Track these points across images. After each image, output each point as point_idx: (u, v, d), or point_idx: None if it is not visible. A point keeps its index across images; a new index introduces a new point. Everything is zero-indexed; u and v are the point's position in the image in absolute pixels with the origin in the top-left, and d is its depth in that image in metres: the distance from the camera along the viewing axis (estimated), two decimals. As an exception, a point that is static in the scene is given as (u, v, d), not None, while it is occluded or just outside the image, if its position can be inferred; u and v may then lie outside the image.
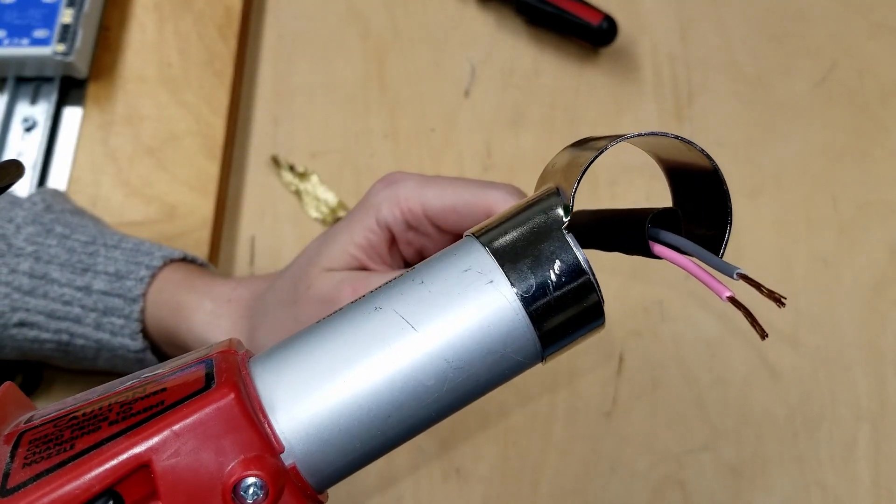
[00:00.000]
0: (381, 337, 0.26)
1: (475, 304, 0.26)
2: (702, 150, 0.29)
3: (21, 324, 0.44)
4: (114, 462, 0.23)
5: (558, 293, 0.26)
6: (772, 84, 0.63)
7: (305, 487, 0.26)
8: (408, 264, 0.39)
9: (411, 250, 0.39)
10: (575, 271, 0.26)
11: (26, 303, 0.44)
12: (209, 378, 0.25)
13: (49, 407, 0.28)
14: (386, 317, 0.26)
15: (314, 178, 0.59)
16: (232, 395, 0.24)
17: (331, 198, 0.59)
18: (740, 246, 0.58)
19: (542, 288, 0.26)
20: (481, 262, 0.26)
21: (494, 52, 0.64)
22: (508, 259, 0.26)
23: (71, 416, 0.25)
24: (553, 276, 0.26)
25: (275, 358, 0.26)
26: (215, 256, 0.57)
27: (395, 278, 0.28)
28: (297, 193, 0.59)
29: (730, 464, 0.52)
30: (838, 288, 0.56)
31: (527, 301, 0.26)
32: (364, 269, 0.37)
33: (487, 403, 0.54)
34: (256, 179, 0.60)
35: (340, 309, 0.28)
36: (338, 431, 0.25)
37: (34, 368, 0.52)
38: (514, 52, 0.64)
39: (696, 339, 0.55)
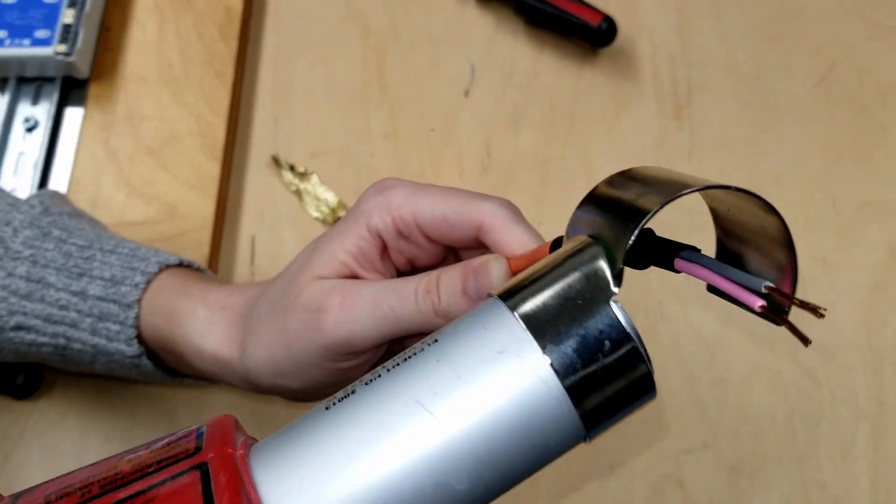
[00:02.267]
0: (404, 434, 0.22)
1: (515, 396, 0.23)
2: (775, 210, 0.27)
3: (18, 327, 0.44)
4: None
5: (607, 375, 0.23)
6: (771, 84, 0.63)
7: None
8: (399, 273, 0.38)
9: (402, 259, 0.38)
10: (625, 347, 0.24)
11: (23, 306, 0.44)
12: (208, 498, 0.22)
13: None
14: (407, 408, 0.22)
15: (314, 178, 0.60)
16: None
17: (331, 197, 0.59)
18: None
19: (591, 375, 0.23)
20: (518, 340, 0.23)
21: (494, 52, 0.64)
22: (550, 338, 0.23)
23: None
24: (602, 358, 0.23)
25: (279, 458, 0.23)
26: (216, 256, 0.57)
27: (413, 352, 0.24)
28: (298, 193, 0.59)
29: (729, 463, 0.52)
30: (837, 288, 0.57)
31: (573, 390, 0.23)
32: (355, 276, 0.37)
33: (487, 403, 0.54)
34: (257, 179, 0.60)
35: (353, 392, 0.24)
36: None
37: (35, 369, 0.53)
38: (514, 52, 0.64)
39: (696, 339, 0.55)
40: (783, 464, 0.52)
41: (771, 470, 0.52)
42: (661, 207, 0.24)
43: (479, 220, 0.35)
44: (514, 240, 0.35)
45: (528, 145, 0.61)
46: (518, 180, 0.60)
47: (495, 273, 0.34)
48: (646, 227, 0.25)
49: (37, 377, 0.53)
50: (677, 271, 0.27)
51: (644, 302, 0.56)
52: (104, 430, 0.53)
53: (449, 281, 0.35)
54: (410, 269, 0.39)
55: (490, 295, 0.26)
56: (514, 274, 0.34)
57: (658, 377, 0.55)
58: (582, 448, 0.52)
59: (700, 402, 0.54)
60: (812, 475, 0.52)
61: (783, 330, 0.59)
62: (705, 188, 0.25)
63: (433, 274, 0.35)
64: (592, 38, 0.62)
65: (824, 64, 0.64)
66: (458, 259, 0.38)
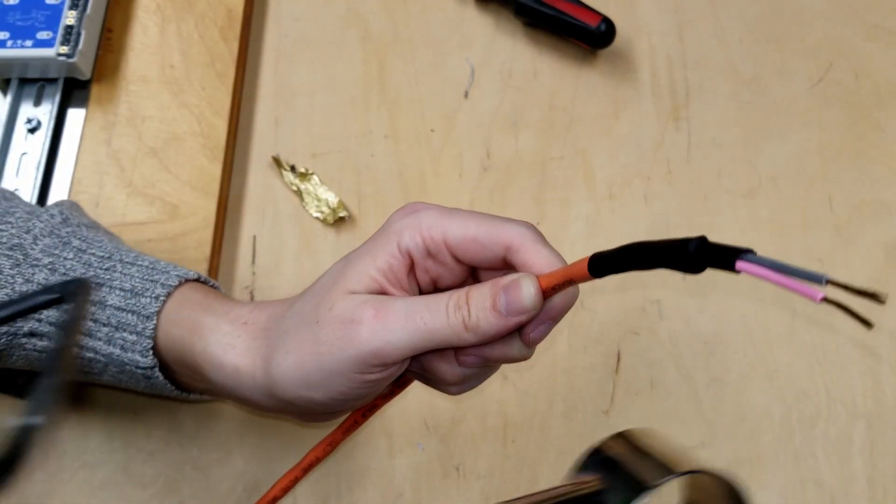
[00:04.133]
0: None
1: None
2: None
3: (31, 334, 0.44)
4: None
5: None
6: (768, 85, 0.63)
7: None
8: (422, 291, 0.40)
9: (427, 278, 0.40)
10: None
11: (38, 313, 0.44)
12: None
13: None
14: None
15: (315, 179, 0.60)
16: None
17: (331, 197, 0.59)
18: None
19: None
20: None
21: (493, 53, 0.65)
22: None
23: None
24: None
25: None
26: (217, 255, 0.57)
27: None
28: (299, 193, 0.60)
29: (726, 461, 0.53)
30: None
31: None
32: (384, 293, 0.38)
33: (487, 402, 0.54)
34: (258, 180, 0.61)
35: None
36: None
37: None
38: (513, 53, 0.65)
39: (693, 338, 0.56)
40: (780, 462, 0.53)
41: (768, 468, 0.53)
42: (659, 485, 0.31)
43: (508, 241, 0.37)
44: (540, 260, 0.37)
45: (527, 146, 0.62)
46: (517, 181, 0.60)
47: (526, 289, 0.36)
48: (700, 235, 0.30)
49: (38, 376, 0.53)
50: (737, 272, 0.29)
51: (642, 301, 0.56)
52: (106, 428, 0.53)
53: (479, 297, 0.37)
54: (433, 288, 0.40)
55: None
56: (544, 291, 0.36)
57: (656, 376, 0.55)
58: (580, 446, 0.53)
59: (698, 401, 0.54)
60: (809, 473, 0.52)
61: (780, 330, 0.59)
62: (692, 473, 0.31)
63: (463, 290, 0.37)
64: (591, 39, 0.62)
65: (822, 65, 0.64)
66: (477, 281, 0.40)
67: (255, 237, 0.59)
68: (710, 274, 0.60)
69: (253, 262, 0.58)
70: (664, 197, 0.60)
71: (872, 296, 0.27)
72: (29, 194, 0.57)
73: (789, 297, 0.56)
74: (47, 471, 0.52)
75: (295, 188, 0.60)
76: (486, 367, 0.40)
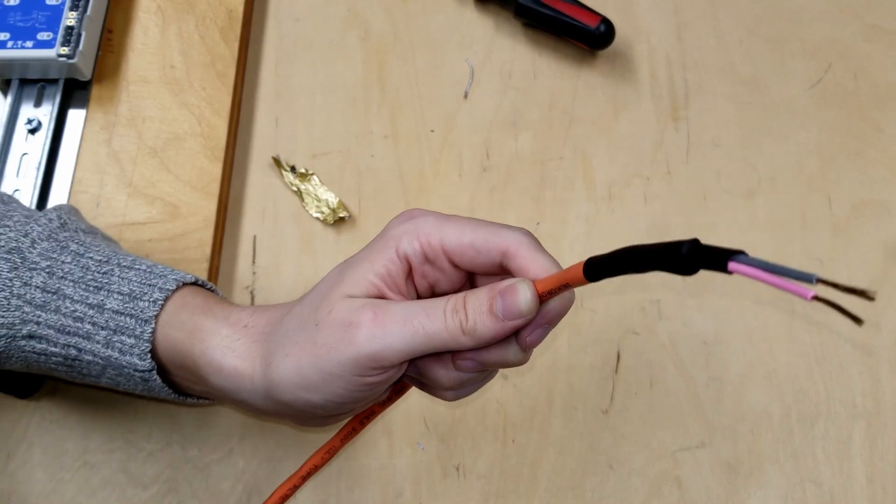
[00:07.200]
0: None
1: None
2: None
3: (30, 336, 0.44)
4: None
5: None
6: (767, 85, 0.63)
7: None
8: (419, 296, 0.41)
9: (425, 283, 0.40)
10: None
11: (37, 316, 0.44)
12: None
13: None
14: None
15: (315, 179, 0.60)
16: None
17: (331, 198, 0.59)
18: (736, 246, 0.59)
19: None
20: None
21: (493, 54, 0.65)
22: None
23: None
24: None
25: None
26: (217, 255, 0.58)
27: None
28: (299, 194, 0.60)
29: (726, 461, 0.53)
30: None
31: None
32: (382, 297, 0.39)
33: (486, 401, 0.54)
34: (258, 180, 0.61)
35: None
36: None
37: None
38: (513, 54, 0.65)
39: (693, 338, 0.56)
40: (780, 462, 0.53)
41: (767, 468, 0.53)
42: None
43: (504, 247, 0.38)
44: (536, 266, 0.37)
45: (526, 146, 0.62)
46: (517, 181, 0.60)
47: (522, 294, 0.37)
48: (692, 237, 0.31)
49: (39, 376, 0.54)
50: (729, 273, 0.30)
51: (641, 301, 0.57)
52: (106, 428, 0.54)
53: (476, 301, 0.37)
54: (431, 293, 0.41)
55: None
56: (541, 295, 0.37)
57: (655, 376, 0.56)
58: (580, 446, 0.53)
59: (697, 401, 0.54)
60: (808, 473, 0.52)
61: (779, 330, 0.59)
62: None
63: (461, 294, 0.38)
64: (590, 40, 0.62)
65: (821, 66, 0.64)
66: (474, 286, 0.41)
67: (255, 237, 0.59)
68: (709, 274, 0.60)
69: (253, 262, 0.58)
70: (663, 197, 0.60)
71: (862, 293, 0.27)
72: (29, 195, 0.57)
73: (788, 298, 0.57)
74: (47, 471, 0.52)
75: (295, 188, 0.60)
76: (483, 373, 0.41)
